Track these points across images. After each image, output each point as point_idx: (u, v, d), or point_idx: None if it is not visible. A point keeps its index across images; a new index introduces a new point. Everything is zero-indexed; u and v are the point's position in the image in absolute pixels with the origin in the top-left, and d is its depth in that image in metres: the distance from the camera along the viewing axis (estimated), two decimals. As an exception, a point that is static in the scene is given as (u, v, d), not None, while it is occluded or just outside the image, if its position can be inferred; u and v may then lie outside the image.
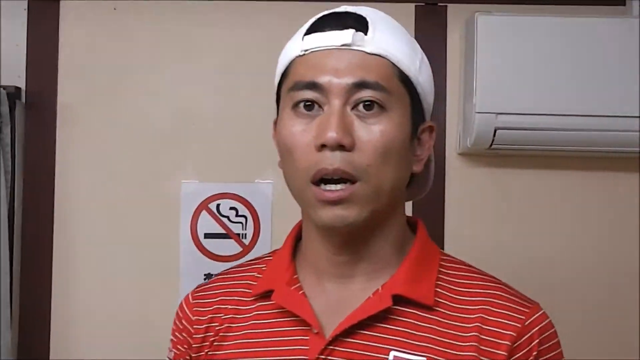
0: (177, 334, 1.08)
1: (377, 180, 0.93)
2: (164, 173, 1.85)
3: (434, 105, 1.04)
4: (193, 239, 1.83)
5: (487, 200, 1.87)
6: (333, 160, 0.92)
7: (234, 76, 1.86)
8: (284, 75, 0.99)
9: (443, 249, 1.79)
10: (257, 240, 1.84)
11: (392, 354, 0.94)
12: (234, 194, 1.85)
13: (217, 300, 1.05)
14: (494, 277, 1.02)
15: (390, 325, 0.96)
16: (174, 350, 1.08)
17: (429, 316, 0.96)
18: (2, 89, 1.76)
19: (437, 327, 0.96)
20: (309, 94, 0.94)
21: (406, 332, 0.95)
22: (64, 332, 1.85)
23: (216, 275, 1.12)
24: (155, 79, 1.86)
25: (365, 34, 0.94)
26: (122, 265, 1.85)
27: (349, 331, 0.95)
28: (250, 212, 1.85)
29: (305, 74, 0.95)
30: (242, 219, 1.85)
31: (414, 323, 0.96)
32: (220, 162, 1.86)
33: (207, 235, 1.84)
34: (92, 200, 1.86)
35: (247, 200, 1.85)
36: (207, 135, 1.86)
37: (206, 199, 1.84)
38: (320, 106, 0.94)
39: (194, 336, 1.05)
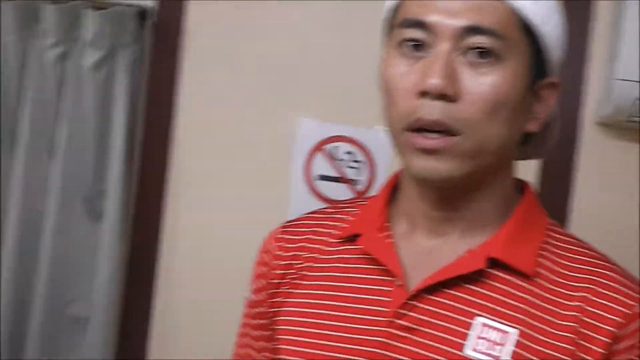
0: (258, 266, 1.04)
1: (481, 136, 0.84)
2: (283, 108, 1.80)
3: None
4: (306, 179, 1.79)
5: (622, 176, 1.73)
6: (432, 110, 0.83)
7: (365, 14, 1.77)
8: (394, 10, 0.90)
9: (567, 221, 1.70)
10: (370, 188, 1.78)
11: (479, 319, 0.86)
12: (352, 139, 1.79)
13: (302, 238, 1.00)
14: (606, 257, 0.92)
15: (480, 288, 0.88)
16: (252, 283, 1.05)
17: (526, 286, 0.88)
18: (132, 6, 1.75)
19: (533, 299, 0.87)
20: (415, 33, 0.85)
21: (498, 298, 0.87)
22: (171, 267, 1.86)
23: (308, 212, 1.06)
24: (283, 11, 1.80)
25: None
26: (230, 199, 1.83)
27: (434, 288, 0.89)
28: (367, 159, 1.79)
29: (415, 11, 0.86)
30: (358, 165, 1.79)
31: (507, 290, 0.88)
32: (341, 104, 1.79)
33: (321, 177, 1.79)
34: (208, 126, 1.84)
35: (364, 147, 1.79)
36: (330, 74, 1.79)
37: (323, 140, 1.79)
38: (427, 48, 0.85)
39: (274, 271, 1.01)
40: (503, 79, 0.84)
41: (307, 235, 1.01)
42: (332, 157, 1.79)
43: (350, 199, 1.04)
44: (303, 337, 0.95)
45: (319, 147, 1.79)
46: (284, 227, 1.04)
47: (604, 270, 0.88)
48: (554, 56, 0.90)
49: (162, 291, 1.86)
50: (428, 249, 0.92)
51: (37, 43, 1.77)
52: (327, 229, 1.00)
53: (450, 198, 0.90)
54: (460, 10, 0.83)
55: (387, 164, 1.76)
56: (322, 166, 1.79)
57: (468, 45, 0.83)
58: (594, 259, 0.90)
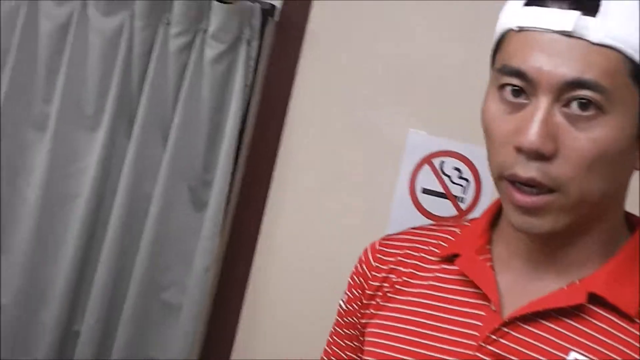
0: (354, 277, 1.02)
1: (579, 193, 0.79)
2: (395, 117, 1.79)
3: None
4: (410, 191, 1.77)
5: None
6: (528, 169, 0.78)
7: (488, 29, 1.73)
8: (497, 43, 0.85)
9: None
10: (474, 207, 1.74)
11: (573, 354, 0.81)
12: (461, 155, 1.75)
13: (402, 253, 0.98)
14: None
15: (578, 324, 0.83)
16: (347, 293, 1.02)
17: (628, 328, 0.82)
18: (257, 3, 1.78)
19: (634, 343, 0.81)
20: (515, 81, 0.80)
21: (596, 336, 0.82)
22: (265, 265, 1.87)
23: (409, 228, 1.04)
24: (405, 21, 1.80)
25: (594, 16, 0.76)
26: (332, 204, 1.83)
27: (530, 317, 0.84)
28: (474, 177, 1.75)
29: (515, 56, 0.81)
30: (464, 182, 1.76)
31: (607, 330, 0.82)
32: (452, 118, 1.77)
33: (425, 191, 1.76)
34: (318, 129, 1.85)
35: (472, 164, 1.75)
36: (446, 86, 1.77)
37: (431, 154, 1.76)
38: (528, 95, 0.79)
39: (370, 282, 0.99)
40: (604, 134, 0.78)
41: (407, 250, 0.98)
42: (438, 172, 1.76)
43: (453, 220, 1.03)
44: (390, 351, 0.93)
45: (426, 160, 1.76)
46: (384, 239, 1.02)
47: None
48: None
49: (254, 288, 1.87)
50: (527, 278, 0.88)
51: (163, 31, 1.82)
52: (427, 246, 0.97)
53: (551, 241, 0.86)
54: (562, 61, 0.77)
55: (492, 185, 1.71)
56: (427, 180, 1.76)
57: (570, 98, 0.77)
58: None
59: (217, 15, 1.77)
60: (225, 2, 1.77)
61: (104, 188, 1.89)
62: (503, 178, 0.82)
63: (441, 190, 1.75)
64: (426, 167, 1.76)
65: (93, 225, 1.89)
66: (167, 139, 1.84)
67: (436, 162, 1.76)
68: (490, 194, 1.72)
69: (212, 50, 1.79)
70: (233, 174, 1.84)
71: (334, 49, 1.83)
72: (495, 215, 0.94)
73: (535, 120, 0.77)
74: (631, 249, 0.86)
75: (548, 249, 0.87)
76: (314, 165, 1.85)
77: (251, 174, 1.88)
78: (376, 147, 1.80)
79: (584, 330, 0.83)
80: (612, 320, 0.83)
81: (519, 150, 0.78)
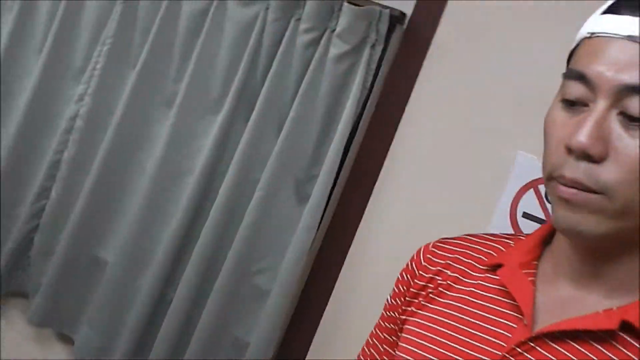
0: (403, 273, 1.05)
1: (624, 200, 0.78)
2: (505, 138, 1.77)
3: None
4: (510, 213, 1.75)
5: None
6: (574, 170, 0.79)
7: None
8: (572, 53, 0.86)
9: None
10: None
11: None
12: (569, 184, 1.71)
13: (451, 257, 1.00)
14: None
15: (606, 350, 0.82)
16: (394, 288, 1.05)
17: None
18: (387, 9, 1.82)
19: None
20: (574, 89, 0.81)
21: None
22: (357, 264, 1.89)
23: (466, 234, 1.05)
24: (530, 46, 1.78)
25: None
26: (430, 216, 1.82)
27: (558, 336, 0.84)
28: (578, 209, 1.71)
29: (581, 60, 0.82)
30: (567, 213, 1.72)
31: (632, 358, 0.80)
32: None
33: (525, 215, 1.74)
34: (426, 140, 1.85)
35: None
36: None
37: (539, 179, 1.73)
38: (586, 104, 0.80)
39: (416, 281, 1.01)
40: None
41: (457, 255, 1.00)
42: (542, 198, 1.73)
43: (511, 234, 1.01)
44: (421, 350, 0.95)
45: (532, 184, 1.74)
46: (438, 241, 1.05)
47: None
48: None
49: (342, 284, 1.89)
50: (567, 298, 0.88)
51: (293, 26, 1.89)
52: (478, 254, 0.99)
53: (597, 255, 0.86)
54: (625, 65, 0.77)
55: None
56: (530, 204, 1.74)
57: (627, 104, 0.77)
58: None
59: (346, 15, 1.82)
60: (356, 5, 1.82)
61: (214, 169, 1.97)
62: (552, 179, 0.82)
63: (542, 217, 1.72)
64: (531, 192, 1.74)
65: (199, 203, 1.98)
66: (281, 130, 1.90)
67: (542, 188, 1.73)
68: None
69: (336, 49, 1.84)
70: (338, 171, 1.88)
71: (456, 64, 1.84)
72: (550, 233, 0.94)
73: (588, 122, 0.78)
74: None
75: (593, 268, 0.86)
76: (419, 174, 1.86)
77: (356, 174, 1.91)
78: (484, 164, 1.78)
79: (610, 357, 0.81)
80: None
81: (569, 150, 0.79)
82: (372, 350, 1.09)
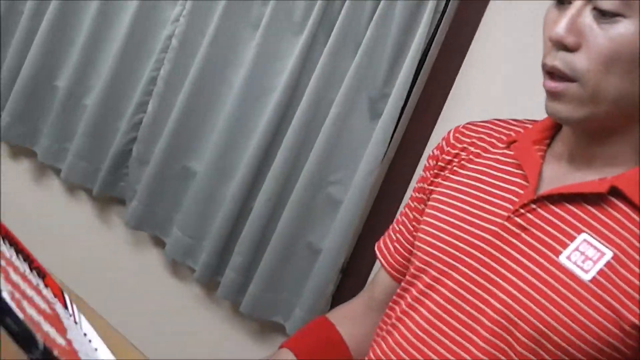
0: (434, 150, 1.20)
1: (595, 86, 0.90)
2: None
3: None
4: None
5: None
6: (553, 58, 0.93)
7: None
8: None
9: None
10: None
11: (583, 235, 0.94)
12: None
13: (477, 137, 1.14)
14: None
15: (595, 210, 0.95)
16: (426, 163, 1.20)
17: (638, 219, 0.93)
18: None
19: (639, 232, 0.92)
20: None
21: (606, 222, 0.94)
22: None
23: (494, 119, 1.19)
24: None
25: None
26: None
27: (556, 199, 0.98)
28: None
29: None
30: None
31: (618, 218, 0.94)
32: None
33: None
34: (496, 66, 1.93)
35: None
36: None
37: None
38: (570, 2, 0.93)
39: (444, 156, 1.16)
40: (621, 36, 0.89)
41: (482, 135, 1.15)
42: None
43: (533, 120, 1.13)
44: (442, 213, 1.10)
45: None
46: (468, 123, 1.20)
47: None
48: None
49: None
50: (568, 170, 1.02)
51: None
52: (500, 134, 1.13)
53: (587, 138, 0.99)
54: None
55: None
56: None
57: (594, 3, 0.90)
58: None
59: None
60: None
61: (295, 87, 2.12)
62: (543, 71, 0.96)
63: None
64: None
65: (281, 118, 2.13)
66: (357, 52, 2.03)
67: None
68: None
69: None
70: (410, 91, 2.00)
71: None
72: None
73: (565, 16, 0.92)
74: None
75: (587, 148, 1.00)
76: (487, 96, 1.94)
77: (427, 93, 2.03)
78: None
79: (597, 215, 0.95)
80: (625, 211, 0.95)
81: (551, 41, 0.93)
82: (402, 224, 1.24)
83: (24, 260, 0.93)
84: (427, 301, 1.07)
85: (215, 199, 2.23)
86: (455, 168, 1.14)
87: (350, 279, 2.11)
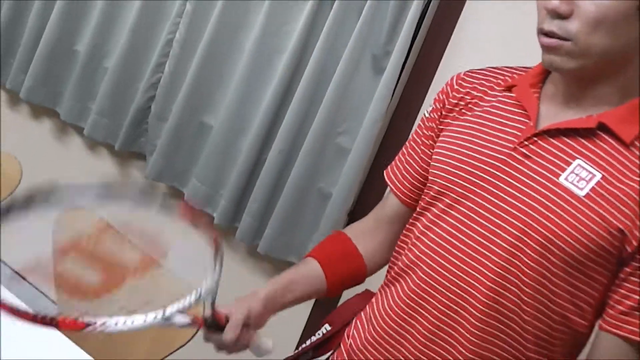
0: (439, 94, 1.42)
1: (585, 43, 1.13)
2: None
3: None
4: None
5: None
6: (549, 24, 1.15)
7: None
8: None
9: None
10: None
11: (577, 161, 1.18)
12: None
13: (477, 82, 1.37)
14: None
15: (587, 142, 1.19)
16: (432, 105, 1.42)
17: (621, 149, 1.17)
18: None
19: (623, 160, 1.16)
20: None
21: (596, 151, 1.18)
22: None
23: (491, 66, 1.41)
24: None
25: None
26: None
27: (554, 133, 1.21)
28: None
29: None
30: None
31: (605, 148, 1.19)
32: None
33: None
34: (490, 23, 2.14)
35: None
36: None
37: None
38: None
39: (450, 100, 1.38)
40: (606, 3, 1.10)
41: (482, 80, 1.37)
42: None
43: (525, 66, 1.36)
44: (455, 145, 1.31)
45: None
46: (468, 71, 1.41)
47: None
48: None
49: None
50: (561, 108, 1.24)
51: None
52: (497, 79, 1.35)
53: (577, 82, 1.22)
54: None
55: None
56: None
57: None
58: None
59: None
60: None
61: (305, 48, 2.31)
62: (539, 32, 1.18)
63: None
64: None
65: (291, 76, 2.33)
66: (360, 13, 2.22)
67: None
68: None
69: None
70: (410, 48, 2.20)
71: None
72: None
73: None
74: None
75: (577, 91, 1.23)
76: (482, 55, 2.16)
77: (425, 51, 2.23)
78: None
79: (589, 146, 1.20)
80: (611, 142, 1.19)
81: (547, 10, 1.15)
82: (410, 154, 1.45)
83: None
84: (448, 218, 1.28)
85: (230, 151, 2.43)
86: (463, 110, 1.35)
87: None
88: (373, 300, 1.43)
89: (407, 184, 1.45)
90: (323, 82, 2.28)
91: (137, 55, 2.53)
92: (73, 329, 1.09)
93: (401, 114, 2.27)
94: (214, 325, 1.26)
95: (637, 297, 1.17)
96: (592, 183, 1.17)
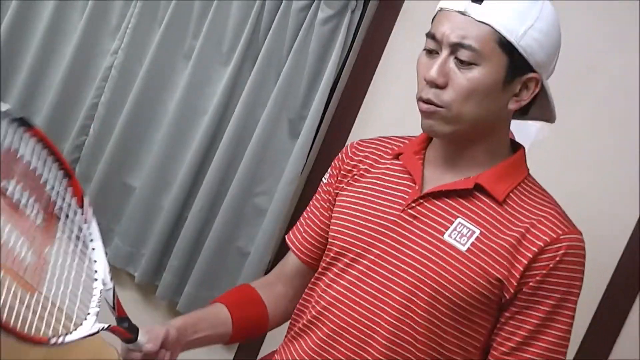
0: (335, 162, 1.54)
1: (458, 112, 1.28)
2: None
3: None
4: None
5: None
6: (427, 93, 1.29)
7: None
8: (433, 18, 1.30)
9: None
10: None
11: (458, 219, 1.32)
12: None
13: (368, 151, 1.50)
14: (557, 207, 1.33)
15: (466, 201, 1.33)
16: (329, 171, 1.54)
17: (496, 207, 1.32)
18: (365, -18, 2.23)
19: (497, 216, 1.30)
20: (430, 43, 1.28)
21: (474, 209, 1.32)
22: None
23: (380, 136, 1.53)
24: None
25: (480, 4, 1.23)
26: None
27: (437, 195, 1.34)
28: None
29: (433, 26, 1.28)
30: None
31: (482, 206, 1.33)
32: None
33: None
34: (402, 87, 2.25)
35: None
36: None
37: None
38: (437, 52, 1.28)
39: (344, 166, 1.50)
40: (476, 77, 1.26)
41: (372, 149, 1.49)
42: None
43: (410, 136, 1.48)
44: (350, 209, 1.42)
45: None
46: (360, 140, 1.54)
47: (551, 210, 1.31)
48: (537, 59, 1.26)
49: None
50: (441, 172, 1.38)
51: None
52: (386, 148, 1.48)
53: (453, 146, 1.36)
54: (455, 30, 1.24)
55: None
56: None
57: (457, 53, 1.26)
58: (547, 203, 1.32)
59: (331, -14, 2.24)
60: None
61: (225, 110, 2.41)
62: (418, 99, 1.32)
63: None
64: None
65: (212, 138, 2.42)
66: (278, 79, 2.34)
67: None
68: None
69: (323, 13, 2.27)
70: (324, 112, 2.31)
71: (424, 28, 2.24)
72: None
73: (436, 64, 1.28)
74: (509, 163, 1.37)
75: (454, 153, 1.37)
76: (392, 119, 2.27)
77: (339, 115, 2.35)
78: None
79: (467, 205, 1.34)
80: (486, 201, 1.34)
81: (426, 81, 1.28)
82: (309, 218, 1.55)
83: (55, 161, 1.24)
84: (347, 276, 1.39)
85: (152, 210, 2.49)
86: (356, 176, 1.46)
87: (275, 278, 2.39)
88: (276, 356, 1.50)
89: (307, 245, 1.54)
90: (242, 143, 2.38)
91: (62, 118, 2.58)
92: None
93: (316, 177, 2.36)
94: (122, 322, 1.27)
95: (517, 339, 1.30)
96: (472, 239, 1.29)
